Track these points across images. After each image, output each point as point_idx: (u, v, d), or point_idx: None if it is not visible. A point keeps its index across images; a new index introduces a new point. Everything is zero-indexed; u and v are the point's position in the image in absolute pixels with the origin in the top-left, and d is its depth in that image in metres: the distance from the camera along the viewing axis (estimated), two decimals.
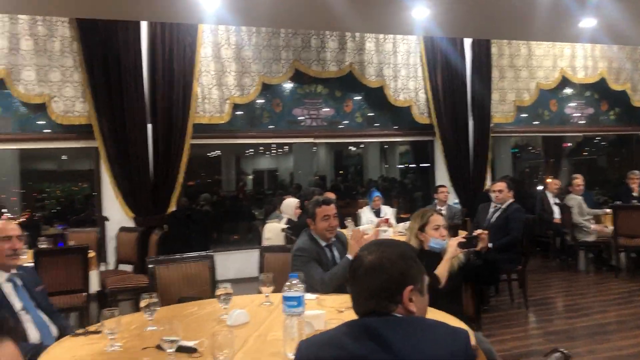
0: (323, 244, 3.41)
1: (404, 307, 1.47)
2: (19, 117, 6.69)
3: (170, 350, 2.13)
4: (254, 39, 7.24)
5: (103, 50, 6.47)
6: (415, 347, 1.37)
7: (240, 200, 12.19)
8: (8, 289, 2.76)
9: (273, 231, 5.49)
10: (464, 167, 8.14)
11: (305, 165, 15.78)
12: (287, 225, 5.40)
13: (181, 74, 6.78)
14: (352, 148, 16.79)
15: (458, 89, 8.04)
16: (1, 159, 11.50)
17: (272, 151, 18.22)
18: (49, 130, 6.76)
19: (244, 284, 4.35)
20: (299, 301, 2.18)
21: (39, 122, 6.76)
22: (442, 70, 7.92)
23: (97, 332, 2.51)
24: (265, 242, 5.52)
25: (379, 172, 14.99)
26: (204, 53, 7.01)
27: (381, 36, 7.80)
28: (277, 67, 7.35)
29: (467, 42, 8.16)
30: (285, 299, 2.19)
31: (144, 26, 6.69)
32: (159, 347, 2.26)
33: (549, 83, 8.84)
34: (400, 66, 7.93)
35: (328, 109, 7.96)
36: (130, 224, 6.62)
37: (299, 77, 7.60)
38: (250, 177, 17.95)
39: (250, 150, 17.39)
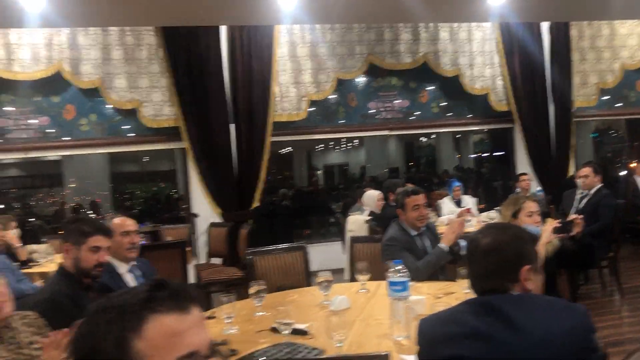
0: (413, 233, 3.49)
1: (521, 285, 1.55)
2: (112, 123, 7.12)
3: (286, 332, 2.29)
4: (329, 36, 7.37)
5: (186, 56, 6.79)
6: (536, 321, 1.44)
7: (315, 194, 12.41)
8: (129, 279, 3.03)
9: (356, 223, 5.60)
10: (546, 153, 7.94)
11: (376, 158, 15.87)
12: (370, 217, 5.49)
13: (260, 74, 7.01)
14: (423, 139, 16.66)
15: (537, 74, 7.85)
16: (95, 162, 12.32)
17: (342, 146, 18.39)
18: (133, 134, 7.14)
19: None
20: (404, 286, 2.28)
21: (129, 127, 7.17)
22: (519, 55, 7.76)
23: (212, 317, 2.71)
24: (348, 235, 5.65)
25: (452, 163, 14.84)
26: (281, 53, 7.21)
27: (455, 25, 7.74)
28: (352, 62, 7.45)
29: (545, 26, 7.94)
30: (391, 283, 2.30)
31: (223, 30, 6.96)
32: (273, 330, 2.43)
33: (635, 63, 8.45)
34: (476, 54, 7.84)
35: (403, 101, 7.97)
36: (218, 220, 6.93)
37: (373, 70, 7.67)
38: (320, 172, 18.20)
39: (321, 145, 17.65)
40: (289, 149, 15.83)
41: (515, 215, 3.20)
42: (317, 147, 17.75)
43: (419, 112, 8.09)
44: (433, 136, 15.05)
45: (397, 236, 3.40)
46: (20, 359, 1.85)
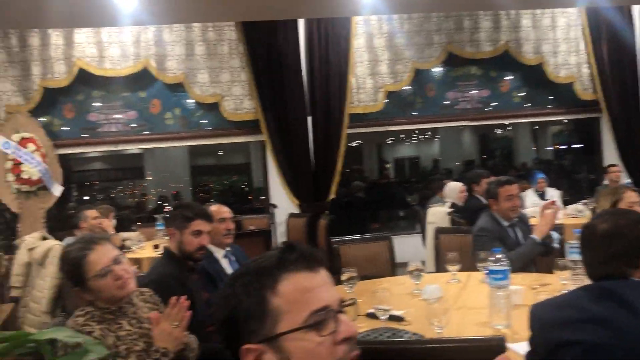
0: (505, 224, 3.42)
1: None
2: (194, 117, 7.36)
3: (383, 318, 2.32)
4: (406, 26, 7.31)
5: (265, 50, 6.92)
6: None
7: (388, 187, 12.36)
8: (225, 264, 3.15)
9: (437, 215, 5.55)
10: (636, 144, 7.54)
11: (450, 150, 15.59)
12: (453, 209, 5.42)
13: (337, 66, 7.04)
14: (499, 130, 16.19)
15: (627, 60, 7.44)
16: (175, 155, 12.82)
17: (413, 138, 18.15)
18: (210, 128, 7.34)
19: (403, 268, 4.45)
20: (505, 275, 2.25)
21: (207, 121, 7.38)
22: (607, 41, 7.38)
23: None
24: (429, 227, 5.60)
25: (529, 155, 14.38)
26: (357, 44, 7.21)
27: (538, 11, 7.47)
28: (430, 52, 7.35)
29: (636, 10, 7.51)
30: (491, 272, 2.28)
31: (301, 24, 7.04)
32: (369, 315, 2.46)
33: None
34: (560, 41, 7.53)
35: (483, 91, 7.78)
36: (295, 210, 7.04)
37: (451, 60, 7.52)
38: (389, 165, 18.07)
39: (391, 138, 17.50)
40: (359, 142, 15.82)
41: (614, 206, 3.07)
42: (387, 139, 17.64)
43: (499, 102, 7.87)
44: (509, 127, 14.61)
45: (489, 226, 3.35)
46: (141, 333, 1.97)
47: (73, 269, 1.95)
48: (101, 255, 1.96)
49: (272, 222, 7.04)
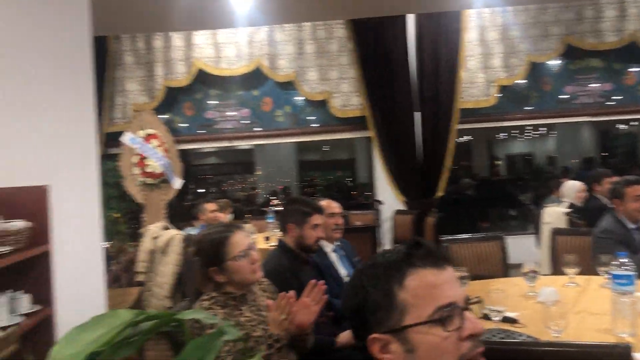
0: (631, 226, 3.19)
1: None
2: (303, 114, 7.54)
3: (496, 319, 2.27)
4: (521, 18, 7.00)
5: (374, 47, 6.93)
6: None
7: (499, 185, 11.92)
8: (333, 258, 3.22)
9: (553, 215, 5.28)
10: None
11: (567, 147, 14.73)
12: (570, 210, 5.14)
13: (446, 61, 6.91)
14: (622, 126, 15.04)
15: None
16: (283, 151, 13.23)
17: (527, 134, 17.30)
18: (318, 125, 7.49)
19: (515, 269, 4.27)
20: (630, 280, 2.12)
21: (317, 117, 7.52)
22: None
23: None
24: (544, 227, 5.35)
25: None
26: (469, 38, 7.02)
27: None
28: (546, 44, 6.99)
29: None
30: (615, 276, 2.15)
31: (410, 19, 6.98)
32: (483, 317, 2.41)
33: None
34: None
35: (605, 84, 7.27)
36: (401, 207, 7.01)
37: (570, 52, 7.10)
38: (500, 162, 17.34)
39: (503, 134, 16.80)
40: (468, 137, 15.36)
41: None
42: (498, 135, 16.97)
43: (623, 96, 7.32)
44: (634, 123, 13.52)
45: (612, 228, 3.15)
46: (259, 320, 2.08)
47: (214, 249, 2.08)
48: (241, 239, 2.10)
49: (377, 219, 7.07)
